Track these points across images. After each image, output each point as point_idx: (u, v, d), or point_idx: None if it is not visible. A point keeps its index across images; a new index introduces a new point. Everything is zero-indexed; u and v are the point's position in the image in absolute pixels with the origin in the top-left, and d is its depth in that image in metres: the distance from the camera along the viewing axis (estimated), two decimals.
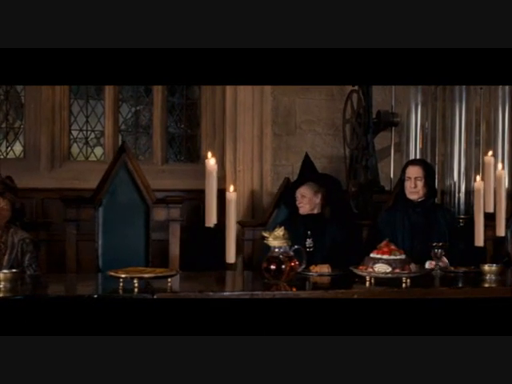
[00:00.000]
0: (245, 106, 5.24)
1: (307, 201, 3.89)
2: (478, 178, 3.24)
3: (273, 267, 2.95)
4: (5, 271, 2.83)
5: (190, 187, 5.64)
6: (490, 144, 5.07)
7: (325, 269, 3.33)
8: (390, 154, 4.96)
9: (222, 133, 5.52)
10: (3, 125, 5.44)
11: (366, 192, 4.66)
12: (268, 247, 3.05)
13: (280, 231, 2.96)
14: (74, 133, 5.70)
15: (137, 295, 2.65)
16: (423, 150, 4.92)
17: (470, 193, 4.79)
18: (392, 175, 4.98)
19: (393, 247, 3.08)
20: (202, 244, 4.65)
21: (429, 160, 4.90)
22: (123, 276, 2.76)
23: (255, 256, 4.12)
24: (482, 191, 3.18)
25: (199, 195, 5.49)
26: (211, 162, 3.02)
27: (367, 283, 3.03)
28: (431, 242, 3.49)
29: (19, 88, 5.47)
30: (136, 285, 2.72)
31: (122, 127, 5.94)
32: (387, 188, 4.83)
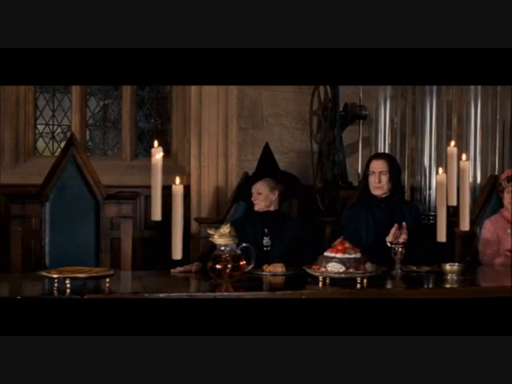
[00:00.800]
0: (210, 99, 5.08)
1: (263, 198, 3.71)
2: (441, 170, 3.06)
3: (218, 267, 2.76)
4: None
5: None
6: (462, 139, 4.92)
7: (278, 268, 3.15)
8: (358, 149, 4.79)
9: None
10: None
11: (332, 188, 4.49)
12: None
13: (226, 228, 2.77)
14: (40, 127, 5.55)
15: (66, 296, 2.47)
16: (392, 145, 4.75)
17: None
18: (360, 171, 4.81)
19: (347, 245, 2.90)
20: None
21: (398, 155, 4.74)
22: (56, 276, 2.58)
23: None
24: (444, 184, 3.01)
25: (170, 191, 5.37)
26: (157, 154, 2.87)
27: (320, 284, 2.85)
28: (381, 239, 3.32)
29: None
30: (68, 285, 2.54)
31: (90, 122, 5.82)
32: (355, 184, 4.66)
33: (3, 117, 5.20)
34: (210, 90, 5.05)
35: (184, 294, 2.54)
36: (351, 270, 2.81)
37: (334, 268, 2.82)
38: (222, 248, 2.79)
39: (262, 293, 2.67)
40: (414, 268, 3.32)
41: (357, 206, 3.84)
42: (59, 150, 5.45)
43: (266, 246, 3.56)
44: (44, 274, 2.63)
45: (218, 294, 2.57)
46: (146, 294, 2.49)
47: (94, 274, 2.62)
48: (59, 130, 5.62)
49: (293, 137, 5.10)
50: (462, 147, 4.91)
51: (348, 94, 4.82)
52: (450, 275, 3.05)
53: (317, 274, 2.87)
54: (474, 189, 4.82)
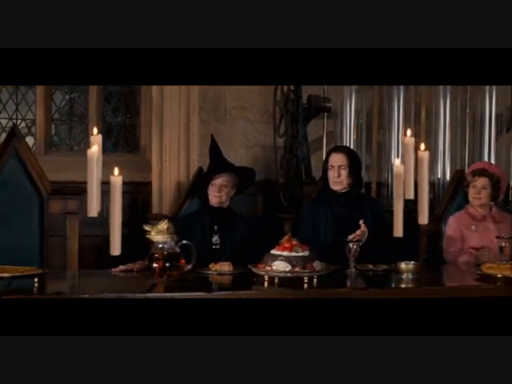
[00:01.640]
0: (171, 90, 4.88)
1: (227, 192, 3.55)
2: (398, 161, 2.90)
3: (155, 265, 2.59)
4: None
5: (127, 179, 5.32)
6: (431, 133, 4.78)
7: (225, 267, 2.98)
8: (323, 144, 4.62)
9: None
10: None
11: (295, 183, 4.32)
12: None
13: (164, 224, 2.60)
14: (3, 121, 5.31)
15: None
16: (358, 140, 4.59)
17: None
18: None
19: (295, 242, 2.73)
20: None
21: (364, 150, 4.59)
22: None
23: None
24: (402, 176, 2.85)
25: (138, 188, 5.21)
26: (94, 145, 2.73)
27: (266, 283, 2.69)
28: (341, 236, 3.16)
29: None
30: None
31: (56, 116, 5.62)
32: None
33: None
34: None
35: (112, 294, 2.36)
36: (297, 269, 2.65)
37: (280, 267, 2.66)
38: (160, 246, 2.62)
39: (196, 293, 2.50)
40: (371, 266, 3.17)
41: (316, 201, 3.68)
42: None
43: (215, 245, 3.40)
44: None
45: (150, 295, 2.40)
46: (70, 295, 2.31)
47: (19, 274, 2.44)
48: (23, 124, 5.39)
49: (257, 131, 4.91)
50: (431, 141, 4.80)
51: (313, 86, 4.64)
52: (405, 274, 2.90)
53: (262, 273, 2.71)
54: (443, 184, 4.68)
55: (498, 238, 3.32)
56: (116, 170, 2.66)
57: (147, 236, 2.63)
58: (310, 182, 4.32)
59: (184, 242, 2.70)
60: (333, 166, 3.55)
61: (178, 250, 2.65)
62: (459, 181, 4.01)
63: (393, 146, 4.59)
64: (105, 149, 5.85)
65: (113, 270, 2.96)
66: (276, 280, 2.71)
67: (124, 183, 5.45)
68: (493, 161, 4.65)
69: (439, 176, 4.75)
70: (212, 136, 3.85)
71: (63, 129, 5.73)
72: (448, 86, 4.60)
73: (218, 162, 3.69)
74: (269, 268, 2.68)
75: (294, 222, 3.77)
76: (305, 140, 4.42)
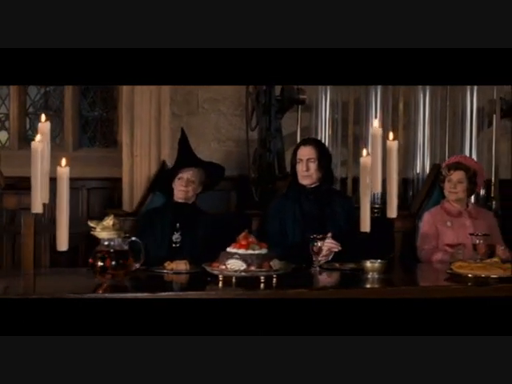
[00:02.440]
0: None
1: (194, 187, 3.38)
2: (364, 151, 2.73)
3: (100, 264, 2.42)
4: None
5: (104, 175, 5.18)
6: (410, 127, 4.63)
7: (182, 266, 2.81)
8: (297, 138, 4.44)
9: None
10: None
11: (267, 178, 4.15)
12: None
13: (109, 220, 2.43)
14: None
15: None
16: (334, 135, 4.42)
17: (385, 180, 4.30)
18: None
19: (251, 240, 2.57)
20: None
21: (339, 145, 4.43)
22: None
23: None
24: (368, 167, 2.69)
25: (115, 184, 5.05)
26: (37, 137, 2.57)
27: (220, 283, 2.52)
28: (309, 233, 3.00)
29: None
30: None
31: (30, 110, 5.53)
32: None
33: None
34: None
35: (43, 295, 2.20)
36: (253, 268, 2.48)
37: (234, 265, 2.50)
38: (106, 243, 2.45)
39: (137, 294, 2.34)
40: (337, 265, 3.01)
41: (283, 197, 3.51)
42: None
43: (176, 243, 3.23)
44: None
45: (88, 296, 2.24)
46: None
47: None
48: None
49: (231, 124, 4.75)
50: (410, 136, 4.65)
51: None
52: (371, 273, 2.73)
53: (216, 272, 2.54)
54: (422, 180, 4.52)
55: (471, 235, 3.17)
56: (63, 161, 2.49)
57: (92, 233, 2.46)
58: (282, 177, 4.15)
59: (133, 238, 2.54)
60: (301, 160, 3.39)
61: (125, 247, 2.48)
62: (436, 176, 3.86)
63: (370, 141, 4.41)
64: (81, 144, 5.79)
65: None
66: (233, 280, 2.55)
67: (100, 179, 5.40)
68: (474, 156, 4.50)
69: (418, 171, 4.60)
70: (182, 129, 3.68)
71: (38, 123, 5.63)
72: None
73: (186, 156, 3.52)
74: (223, 267, 2.51)
75: (262, 219, 3.59)
76: (278, 133, 4.25)
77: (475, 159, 4.33)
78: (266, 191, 4.16)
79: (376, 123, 2.70)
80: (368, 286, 2.64)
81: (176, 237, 3.24)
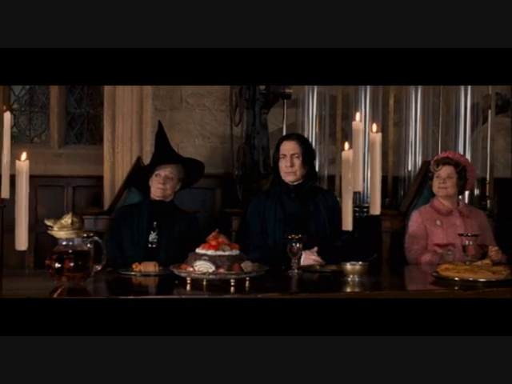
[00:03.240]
0: None
1: (172, 185, 3.21)
2: (346, 144, 2.56)
3: (57, 265, 2.25)
4: None
5: (91, 173, 5.04)
6: (401, 124, 4.46)
7: (151, 267, 2.65)
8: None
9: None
10: None
11: (251, 176, 3.98)
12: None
13: (68, 219, 2.26)
14: None
15: None
16: (322, 131, 4.25)
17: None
18: None
19: (222, 239, 2.39)
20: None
21: (327, 142, 4.26)
22: None
23: None
24: (350, 161, 2.51)
25: (101, 182, 4.90)
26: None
27: (188, 286, 2.35)
28: (287, 234, 2.83)
29: None
30: None
31: (15, 106, 5.47)
32: None
33: None
34: None
35: None
36: (222, 270, 2.31)
37: (203, 267, 2.32)
38: (64, 243, 2.28)
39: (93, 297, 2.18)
40: (317, 267, 2.84)
41: (264, 195, 3.34)
42: None
43: (152, 243, 3.06)
44: None
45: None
46: None
47: None
48: None
49: (216, 119, 4.58)
50: (401, 132, 4.48)
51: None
52: (351, 276, 2.56)
53: (183, 274, 2.37)
54: (413, 178, 4.34)
55: (461, 235, 3.00)
56: (24, 155, 2.34)
57: (49, 232, 2.29)
58: (267, 174, 3.97)
59: (96, 238, 2.37)
60: (285, 155, 3.22)
61: (86, 247, 2.32)
62: (426, 174, 3.68)
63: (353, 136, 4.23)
64: (67, 141, 5.65)
65: None
66: (204, 282, 2.38)
67: (86, 177, 5.24)
68: (468, 153, 4.33)
69: (410, 169, 4.42)
70: (159, 122, 3.51)
71: (23, 120, 5.56)
72: None
73: (164, 151, 3.35)
74: (191, 269, 2.34)
75: (242, 218, 3.42)
76: (264, 129, 4.09)
77: (469, 157, 4.18)
78: (250, 189, 3.99)
79: (358, 117, 2.53)
80: (348, 289, 2.46)
81: (152, 237, 3.08)
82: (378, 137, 2.49)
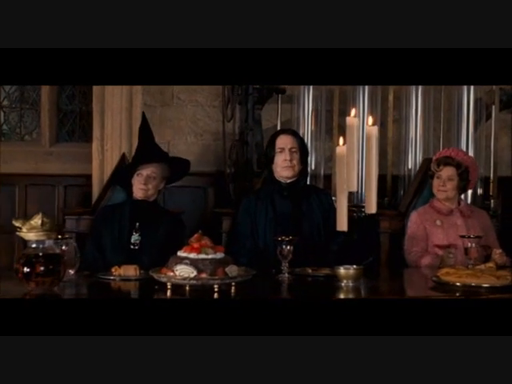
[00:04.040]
0: None
1: (155, 184, 3.05)
2: (341, 140, 2.39)
3: (26, 270, 2.08)
4: None
5: (83, 171, 4.88)
6: (401, 123, 4.28)
7: (131, 271, 2.48)
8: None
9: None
10: None
11: (243, 174, 3.82)
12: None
13: (38, 219, 2.09)
14: None
15: None
16: (318, 128, 4.08)
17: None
18: None
19: (205, 242, 2.22)
20: None
21: (324, 139, 4.09)
22: None
23: None
24: (344, 157, 2.34)
25: (90, 180, 4.75)
26: None
27: (168, 292, 2.18)
28: (277, 236, 2.66)
29: None
30: None
31: (5, 103, 5.32)
32: None
33: None
34: None
35: None
36: (204, 275, 2.14)
37: (184, 272, 2.15)
38: (34, 245, 2.11)
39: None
40: (310, 271, 2.67)
41: (254, 195, 3.17)
42: None
43: (134, 244, 2.90)
44: None
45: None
46: None
47: None
48: None
49: (209, 116, 4.40)
50: (401, 129, 4.30)
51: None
52: (345, 281, 2.39)
53: (163, 279, 2.20)
54: (413, 177, 4.17)
55: (462, 237, 2.82)
56: None
57: (17, 233, 2.12)
58: (261, 172, 3.81)
59: (71, 241, 2.21)
60: (282, 149, 3.06)
61: (58, 250, 2.15)
62: (426, 172, 3.51)
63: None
64: (59, 138, 5.51)
65: None
66: (187, 288, 2.21)
67: (78, 176, 5.09)
68: (471, 151, 4.15)
69: (410, 167, 4.25)
70: (143, 114, 3.34)
71: (13, 117, 5.42)
72: None
73: (147, 149, 3.18)
74: (171, 273, 2.18)
75: (233, 219, 3.25)
76: (257, 125, 3.92)
77: (471, 154, 4.00)
78: (243, 188, 3.82)
79: (353, 112, 2.36)
80: (341, 296, 2.29)
81: (135, 238, 2.92)
82: (374, 130, 2.33)
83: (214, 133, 4.42)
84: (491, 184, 4.13)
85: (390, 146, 4.28)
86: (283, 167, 3.06)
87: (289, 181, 3.09)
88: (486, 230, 3.14)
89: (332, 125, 4.13)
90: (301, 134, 3.69)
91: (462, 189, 3.21)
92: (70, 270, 2.19)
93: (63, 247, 2.26)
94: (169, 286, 2.19)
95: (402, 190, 4.26)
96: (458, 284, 2.35)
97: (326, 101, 4.12)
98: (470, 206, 3.35)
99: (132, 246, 2.91)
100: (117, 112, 4.42)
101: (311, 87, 4.03)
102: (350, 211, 3.36)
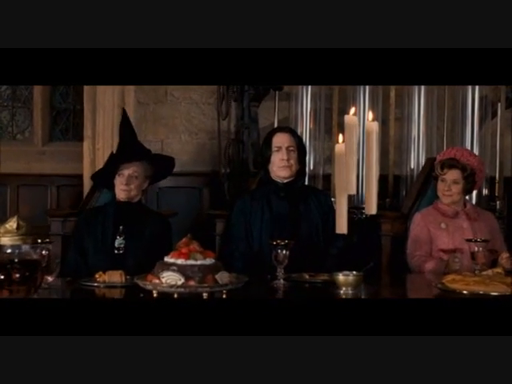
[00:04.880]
0: None
1: (137, 184, 2.89)
2: (341, 138, 2.24)
3: (0, 277, 1.93)
4: None
5: (77, 171, 4.78)
6: (403, 121, 4.14)
7: (116, 277, 2.34)
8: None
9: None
10: None
11: (239, 174, 3.68)
12: None
13: (13, 223, 1.95)
14: None
15: None
16: (316, 127, 3.94)
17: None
18: None
19: (194, 247, 2.08)
20: None
21: (323, 138, 3.95)
22: None
23: None
24: (343, 156, 2.19)
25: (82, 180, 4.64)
26: None
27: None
28: (273, 239, 2.52)
29: None
30: None
31: None
32: None
33: None
34: None
35: None
36: (192, 283, 1.99)
37: (170, 279, 2.01)
38: (9, 250, 1.96)
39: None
40: (307, 277, 2.52)
41: (249, 195, 3.03)
42: None
43: (119, 248, 2.75)
44: None
45: None
46: None
47: None
48: None
49: (203, 114, 4.29)
50: (403, 128, 4.17)
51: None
52: (344, 288, 2.24)
53: (148, 287, 2.06)
54: (416, 177, 4.03)
55: (468, 241, 2.67)
56: None
57: None
58: (257, 172, 3.67)
59: (48, 246, 2.06)
60: (280, 148, 2.91)
61: (35, 256, 2.00)
62: (429, 172, 3.36)
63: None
64: (52, 137, 5.41)
65: None
66: (175, 296, 2.06)
67: (71, 176, 4.98)
68: (476, 150, 4.00)
69: (412, 167, 4.11)
70: (124, 110, 3.19)
71: (5, 115, 5.41)
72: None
73: (127, 146, 3.01)
74: (157, 281, 2.03)
75: (227, 221, 3.11)
76: (254, 124, 3.78)
77: (476, 153, 3.85)
78: (239, 188, 3.69)
79: (352, 111, 2.21)
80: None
81: (119, 242, 2.77)
82: (374, 125, 2.15)
83: (209, 131, 4.30)
84: (497, 184, 4.01)
85: (392, 145, 4.14)
86: (280, 167, 2.92)
87: (286, 181, 2.94)
88: (493, 233, 2.99)
89: (331, 124, 4.00)
90: (299, 133, 3.56)
91: (467, 191, 3.06)
92: (49, 277, 2.04)
93: (43, 252, 2.10)
94: (155, 295, 2.04)
95: (404, 191, 4.13)
96: (465, 292, 2.20)
97: (326, 99, 4.01)
98: (476, 207, 3.20)
99: (116, 251, 2.76)
100: (109, 110, 4.32)
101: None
102: (349, 213, 3.22)
